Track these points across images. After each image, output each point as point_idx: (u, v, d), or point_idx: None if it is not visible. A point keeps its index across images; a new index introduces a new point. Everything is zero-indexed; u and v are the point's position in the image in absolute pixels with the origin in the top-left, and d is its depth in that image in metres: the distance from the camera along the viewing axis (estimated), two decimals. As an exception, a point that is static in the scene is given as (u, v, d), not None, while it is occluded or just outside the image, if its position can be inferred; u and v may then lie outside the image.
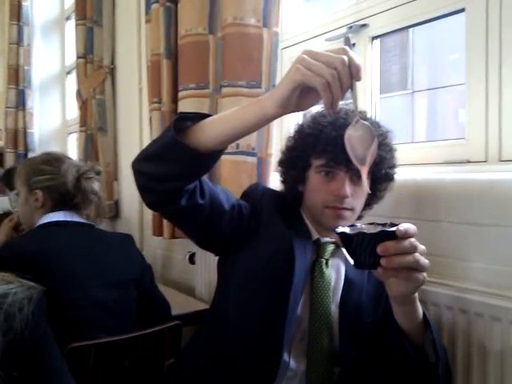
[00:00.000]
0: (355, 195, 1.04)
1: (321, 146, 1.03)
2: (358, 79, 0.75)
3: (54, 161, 1.48)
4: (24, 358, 0.67)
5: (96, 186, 1.49)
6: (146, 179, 0.92)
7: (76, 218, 1.45)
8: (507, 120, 1.16)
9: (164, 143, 0.88)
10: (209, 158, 0.89)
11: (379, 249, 0.72)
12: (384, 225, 0.77)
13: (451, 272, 1.16)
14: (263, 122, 0.83)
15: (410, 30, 5.10)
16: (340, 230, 0.77)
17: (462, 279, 1.13)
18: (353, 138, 0.78)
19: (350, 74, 0.74)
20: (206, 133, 0.86)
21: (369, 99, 1.54)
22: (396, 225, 0.74)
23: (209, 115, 0.89)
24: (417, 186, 1.24)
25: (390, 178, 1.11)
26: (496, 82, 1.18)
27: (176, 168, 0.88)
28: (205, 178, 1.00)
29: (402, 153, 1.17)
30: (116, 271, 1.40)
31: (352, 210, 1.05)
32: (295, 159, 1.11)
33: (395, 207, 1.22)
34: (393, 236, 0.72)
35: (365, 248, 0.74)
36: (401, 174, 1.15)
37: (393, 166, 1.11)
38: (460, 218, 1.14)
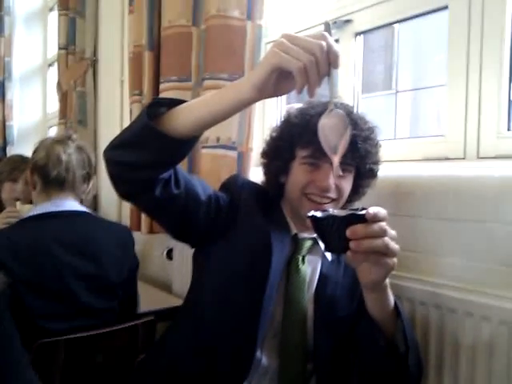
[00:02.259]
0: (339, 187, 1.03)
1: (307, 137, 1.00)
2: (336, 66, 0.74)
3: (44, 140, 1.44)
4: None
5: (70, 149, 1.39)
6: (117, 168, 0.89)
7: (69, 206, 1.37)
8: (486, 117, 1.17)
9: (137, 130, 0.85)
10: (184, 145, 0.86)
11: (348, 232, 0.73)
12: (355, 210, 0.76)
13: (426, 267, 1.16)
14: (240, 107, 0.81)
15: (396, 30, 5.12)
16: (311, 213, 0.77)
17: (436, 275, 1.13)
18: (326, 126, 0.78)
19: (328, 61, 0.73)
20: (182, 118, 0.84)
21: (351, 96, 1.54)
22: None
23: (184, 101, 0.87)
24: (395, 182, 1.24)
25: (373, 174, 1.11)
26: (476, 79, 1.18)
27: (149, 155, 0.85)
28: (182, 169, 0.98)
29: (383, 149, 1.17)
30: (107, 276, 1.35)
31: (335, 201, 1.04)
32: (280, 149, 1.09)
33: (374, 203, 1.21)
34: (363, 219, 0.73)
35: (334, 231, 0.74)
36: (380, 171, 1.14)
37: (377, 162, 1.11)
38: (436, 213, 1.14)
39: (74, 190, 1.40)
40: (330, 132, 0.77)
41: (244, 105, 0.81)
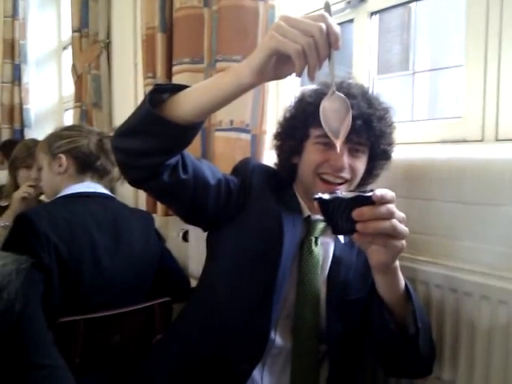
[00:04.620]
0: (353, 167, 1.02)
1: None
2: (337, 48, 0.72)
3: (74, 127, 1.55)
4: (11, 327, 0.68)
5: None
6: (124, 155, 0.90)
7: (100, 189, 1.46)
8: (505, 99, 1.14)
9: (140, 117, 0.85)
10: (188, 131, 0.86)
11: (355, 214, 0.72)
12: (363, 192, 0.76)
13: (441, 251, 1.15)
14: (240, 91, 0.80)
15: (413, 9, 5.01)
16: (318, 195, 0.76)
17: (452, 258, 1.12)
18: (328, 110, 0.76)
19: (328, 43, 0.71)
20: (183, 105, 0.83)
21: (366, 77, 1.51)
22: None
23: (186, 86, 0.86)
24: (411, 164, 1.22)
25: (387, 155, 1.10)
26: (495, 60, 1.15)
27: (154, 142, 0.85)
28: (190, 154, 0.98)
29: (400, 131, 1.15)
30: (136, 252, 1.41)
31: (348, 182, 1.03)
32: (294, 129, 1.09)
33: (388, 186, 1.20)
34: (370, 201, 0.72)
35: (341, 213, 0.74)
36: (395, 153, 1.13)
37: (391, 144, 1.09)
38: (452, 196, 1.12)
39: (106, 179, 1.51)
40: (332, 115, 0.76)
41: (244, 89, 0.79)
